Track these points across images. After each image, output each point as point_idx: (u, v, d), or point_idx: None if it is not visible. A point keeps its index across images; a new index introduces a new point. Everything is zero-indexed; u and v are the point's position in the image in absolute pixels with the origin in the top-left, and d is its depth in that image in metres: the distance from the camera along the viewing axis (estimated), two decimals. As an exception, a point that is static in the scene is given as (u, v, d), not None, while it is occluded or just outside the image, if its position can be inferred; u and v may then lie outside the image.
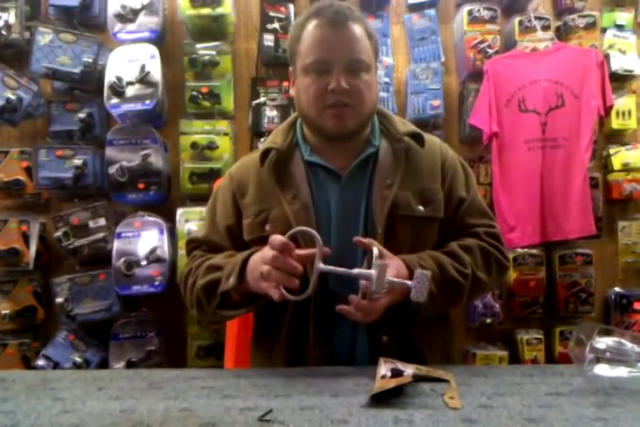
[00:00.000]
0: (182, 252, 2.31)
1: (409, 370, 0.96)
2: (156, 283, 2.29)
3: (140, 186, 2.35)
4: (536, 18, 2.54)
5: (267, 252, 1.12)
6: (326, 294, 1.24)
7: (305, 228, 1.13)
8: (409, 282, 1.07)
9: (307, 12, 1.31)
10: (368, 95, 1.27)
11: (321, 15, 1.25)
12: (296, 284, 1.08)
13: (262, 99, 2.54)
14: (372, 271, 1.06)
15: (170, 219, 2.42)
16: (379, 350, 1.23)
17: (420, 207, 1.30)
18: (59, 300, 2.35)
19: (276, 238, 1.10)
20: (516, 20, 2.56)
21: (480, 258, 1.29)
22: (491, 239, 1.33)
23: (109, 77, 2.32)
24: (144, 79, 2.32)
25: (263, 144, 1.40)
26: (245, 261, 1.19)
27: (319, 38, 1.25)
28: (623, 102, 2.61)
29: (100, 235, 2.37)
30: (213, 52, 2.48)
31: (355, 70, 1.25)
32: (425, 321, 1.26)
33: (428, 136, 1.41)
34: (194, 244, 1.43)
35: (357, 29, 1.26)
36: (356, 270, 1.09)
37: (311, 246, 1.13)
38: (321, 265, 1.10)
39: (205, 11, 2.39)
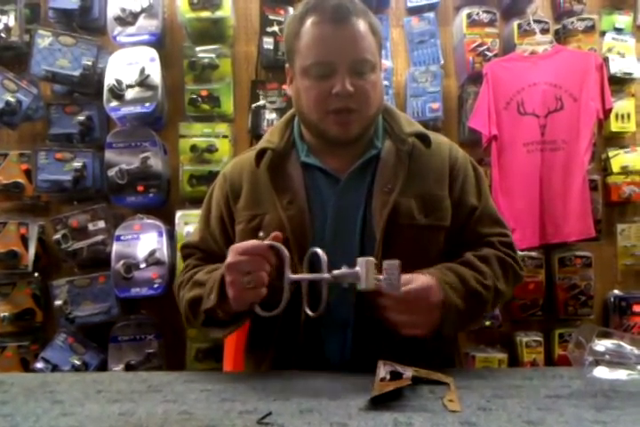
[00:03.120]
0: (181, 254, 2.31)
1: (408, 373, 0.96)
2: (155, 285, 2.29)
3: (140, 189, 2.35)
4: (535, 21, 2.54)
5: (229, 258, 1.07)
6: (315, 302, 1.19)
7: (273, 242, 1.06)
8: (379, 276, 1.03)
9: (305, 4, 1.21)
10: (374, 96, 1.20)
11: (321, 10, 1.16)
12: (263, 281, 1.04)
13: (262, 102, 2.55)
14: (358, 269, 1.02)
15: (169, 221, 2.43)
16: (367, 355, 1.13)
17: (423, 216, 1.22)
18: (57, 302, 2.34)
19: (241, 245, 1.06)
20: (515, 23, 2.57)
21: (498, 268, 1.23)
22: (506, 249, 1.28)
23: (109, 80, 2.32)
24: (144, 82, 2.33)
25: (259, 143, 1.33)
26: (224, 277, 1.11)
27: (320, 37, 1.16)
28: (622, 105, 2.62)
29: (100, 237, 2.38)
30: (213, 55, 2.48)
31: (360, 71, 1.17)
32: (450, 338, 1.22)
33: (436, 136, 1.34)
34: (188, 249, 1.38)
35: (361, 25, 1.17)
36: (336, 272, 1.04)
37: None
38: (290, 275, 1.06)
39: (205, 14, 2.39)
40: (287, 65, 1.28)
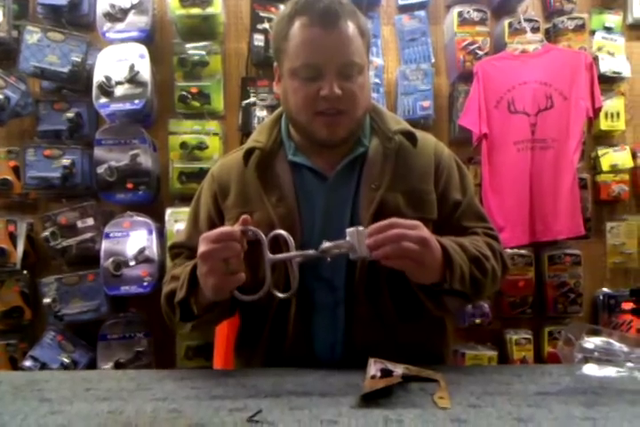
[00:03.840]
0: (171, 253, 2.30)
1: (398, 370, 0.96)
2: (145, 283, 2.28)
3: (129, 186, 2.34)
4: (525, 20, 2.55)
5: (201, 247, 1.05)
6: (305, 298, 1.22)
7: (245, 227, 1.05)
8: (347, 239, 1.02)
9: (293, 4, 1.20)
10: (361, 98, 1.21)
11: (310, 12, 1.16)
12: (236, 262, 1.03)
13: (252, 99, 2.54)
14: (348, 239, 1.01)
15: (159, 219, 2.41)
16: (357, 352, 1.16)
17: (410, 210, 1.23)
18: (46, 300, 2.33)
19: (211, 233, 1.04)
20: (506, 21, 2.57)
21: (488, 250, 1.22)
22: (492, 239, 1.28)
23: (98, 77, 2.31)
24: (133, 79, 2.32)
25: (247, 143, 1.34)
26: (195, 268, 1.11)
27: (308, 40, 1.16)
28: (612, 104, 2.63)
29: (89, 235, 2.36)
30: (203, 52, 2.47)
31: (348, 74, 1.17)
32: (454, 311, 1.23)
33: (422, 135, 1.35)
34: (176, 249, 1.38)
35: (350, 28, 1.17)
36: (326, 245, 1.03)
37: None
38: (270, 255, 1.06)
39: (195, 10, 2.38)
40: (275, 64, 1.29)
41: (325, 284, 1.23)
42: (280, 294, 1.09)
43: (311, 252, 1.05)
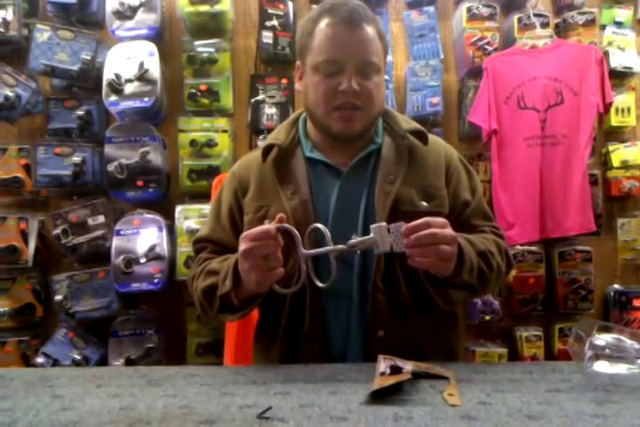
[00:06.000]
0: (181, 249, 2.32)
1: (408, 367, 0.96)
2: (155, 280, 2.29)
3: (139, 183, 2.35)
4: (535, 15, 2.53)
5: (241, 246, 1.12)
6: (319, 289, 1.25)
7: (280, 224, 1.12)
8: (371, 235, 1.09)
9: (320, 7, 1.31)
10: (377, 97, 1.28)
11: (335, 13, 1.25)
12: (278, 261, 1.10)
13: (261, 96, 2.54)
14: (373, 235, 1.08)
15: (169, 216, 2.42)
16: (374, 344, 1.23)
17: (424, 203, 1.29)
18: (58, 297, 2.35)
19: (250, 232, 1.11)
20: (515, 17, 2.56)
21: (495, 247, 1.28)
22: (499, 238, 1.34)
23: (108, 75, 2.32)
24: (143, 76, 2.32)
25: (265, 140, 1.41)
26: (237, 263, 1.18)
27: (332, 37, 1.25)
28: (622, 99, 2.61)
29: (99, 232, 2.37)
30: (212, 50, 2.48)
31: (366, 72, 1.25)
32: (458, 303, 1.30)
33: (432, 136, 1.42)
34: (200, 243, 1.43)
35: (370, 30, 1.26)
36: (352, 241, 1.10)
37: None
38: (304, 251, 1.13)
39: (204, 8, 2.38)
40: (298, 62, 1.36)
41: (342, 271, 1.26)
42: (320, 284, 1.15)
43: (341, 246, 1.11)
